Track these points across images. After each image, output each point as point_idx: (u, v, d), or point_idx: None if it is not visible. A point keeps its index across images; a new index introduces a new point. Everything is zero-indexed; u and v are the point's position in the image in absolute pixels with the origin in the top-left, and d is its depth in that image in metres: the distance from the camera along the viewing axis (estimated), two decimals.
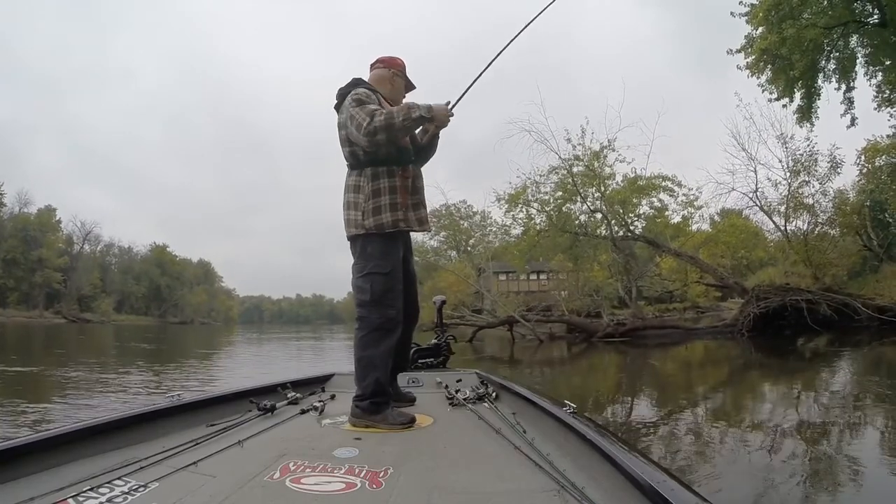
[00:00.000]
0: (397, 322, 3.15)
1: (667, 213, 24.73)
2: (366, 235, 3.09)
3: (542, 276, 45.56)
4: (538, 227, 25.23)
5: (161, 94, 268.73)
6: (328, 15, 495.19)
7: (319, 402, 3.39)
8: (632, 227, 24.20)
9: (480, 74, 3.48)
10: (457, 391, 3.66)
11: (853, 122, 21.39)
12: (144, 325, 78.63)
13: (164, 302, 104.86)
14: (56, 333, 36.78)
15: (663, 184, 23.62)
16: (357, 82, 3.27)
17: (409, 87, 3.52)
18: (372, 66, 3.47)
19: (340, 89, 3.27)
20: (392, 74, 3.41)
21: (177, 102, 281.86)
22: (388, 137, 2.94)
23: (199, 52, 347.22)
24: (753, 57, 20.59)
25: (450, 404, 3.47)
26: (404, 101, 3.42)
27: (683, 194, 23.83)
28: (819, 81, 21.21)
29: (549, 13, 3.86)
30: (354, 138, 3.02)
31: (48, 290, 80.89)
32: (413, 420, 2.96)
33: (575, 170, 23.36)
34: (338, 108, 3.22)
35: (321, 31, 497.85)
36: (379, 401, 3.00)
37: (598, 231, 24.48)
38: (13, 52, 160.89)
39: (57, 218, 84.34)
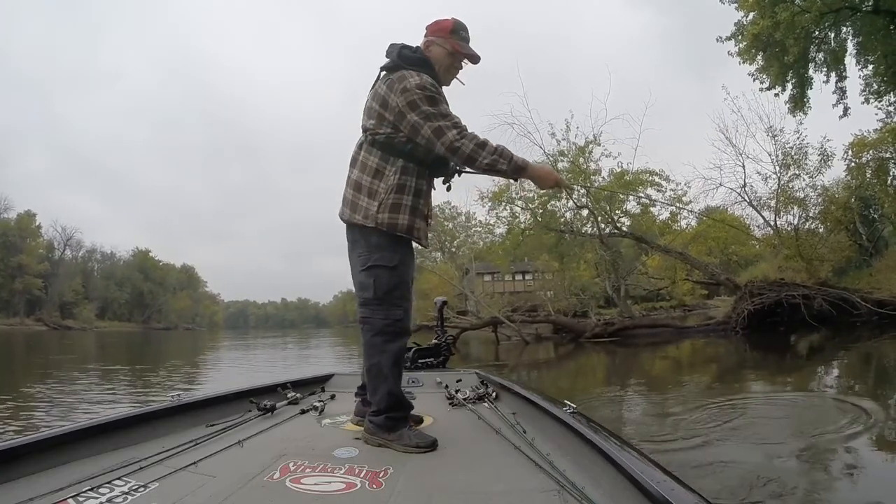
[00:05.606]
0: (405, 325, 2.78)
1: (654, 208, 24.32)
2: (374, 230, 2.66)
3: (528, 277, 45.57)
4: (522, 226, 24.72)
5: (149, 95, 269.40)
6: (323, 16, 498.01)
7: (319, 402, 3.41)
8: (618, 224, 23.79)
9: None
10: (457, 391, 3.69)
11: (846, 112, 21.35)
12: (127, 331, 78.40)
13: (148, 308, 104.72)
14: (34, 342, 36.01)
15: (650, 179, 23.20)
16: (424, 62, 2.73)
17: (463, 56, 2.84)
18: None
19: (403, 55, 2.71)
20: (427, 43, 2.81)
21: (165, 104, 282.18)
22: (461, 163, 2.67)
23: (188, 54, 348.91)
24: (745, 43, 20.32)
25: (450, 404, 3.50)
26: (456, 76, 2.90)
27: (671, 189, 23.53)
28: (810, 71, 21.04)
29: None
30: (424, 140, 2.58)
31: (29, 297, 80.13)
32: (434, 444, 2.55)
33: (560, 165, 22.79)
34: (389, 69, 2.71)
35: (315, 33, 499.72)
36: (395, 416, 2.66)
37: (585, 229, 24.07)
38: None
39: (37, 223, 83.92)
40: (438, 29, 2.81)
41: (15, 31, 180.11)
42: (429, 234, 2.97)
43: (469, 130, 2.57)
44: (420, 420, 3.01)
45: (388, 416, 2.62)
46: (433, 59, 2.77)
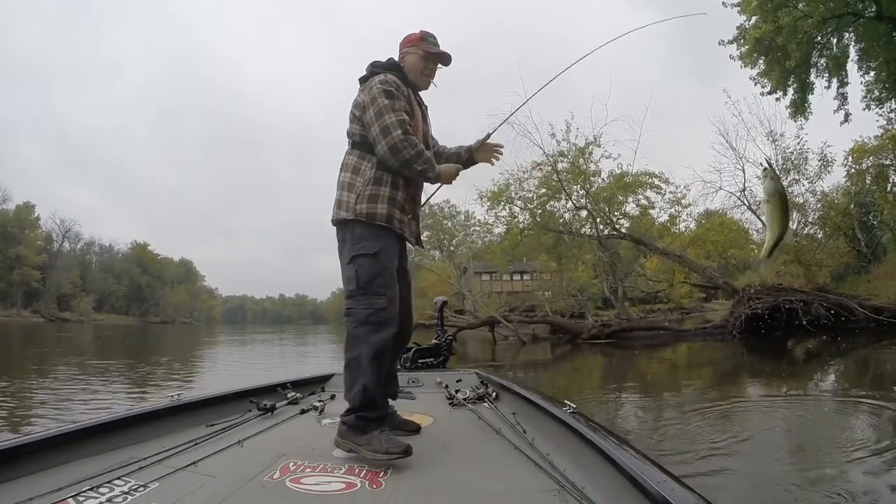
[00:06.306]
0: (390, 315, 2.66)
1: (653, 210, 24.31)
2: (354, 222, 2.72)
3: (526, 277, 45.48)
4: (521, 226, 24.69)
5: (150, 90, 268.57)
6: (322, 13, 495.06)
7: (319, 402, 3.45)
8: (617, 226, 23.77)
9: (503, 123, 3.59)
10: (457, 391, 3.73)
11: (847, 118, 21.38)
12: (124, 324, 78.16)
13: (145, 301, 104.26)
14: (31, 334, 35.92)
15: (650, 181, 23.14)
16: (392, 65, 2.95)
17: (435, 57, 3.03)
18: None
19: (375, 64, 2.95)
20: (401, 55, 3.03)
21: (166, 98, 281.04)
22: (397, 167, 2.72)
23: (189, 49, 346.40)
24: (747, 47, 20.34)
25: (450, 404, 3.54)
26: (431, 79, 3.07)
27: (671, 192, 23.48)
28: (812, 77, 21.01)
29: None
30: (373, 136, 2.71)
31: (26, 289, 79.93)
32: (407, 451, 2.37)
33: (559, 166, 22.83)
34: (364, 80, 2.91)
35: (315, 31, 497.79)
36: (367, 416, 2.53)
37: (584, 229, 24.04)
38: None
39: (35, 215, 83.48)
40: (409, 41, 3.01)
41: (16, 24, 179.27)
42: (418, 231, 3.03)
43: (413, 137, 2.69)
44: (418, 427, 2.97)
45: (360, 416, 2.51)
46: (408, 66, 2.97)
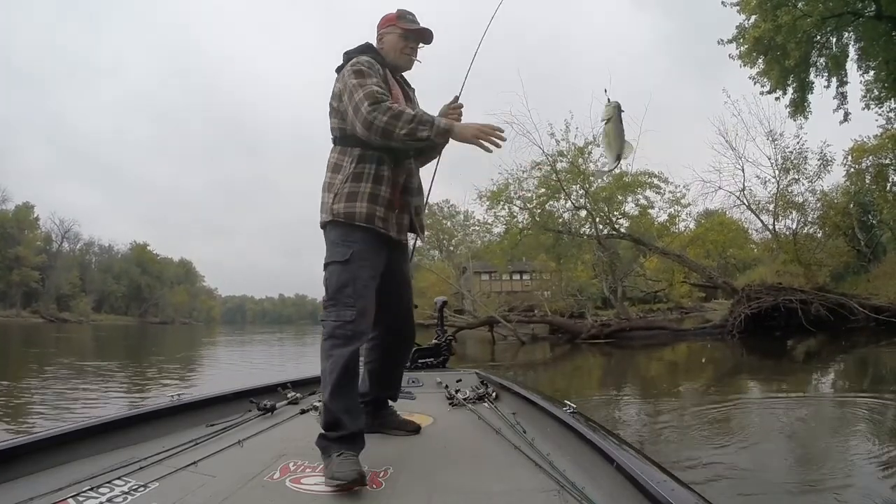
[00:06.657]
0: (358, 329, 2.41)
1: (652, 210, 24.37)
2: (332, 223, 2.51)
3: (525, 277, 45.42)
4: (520, 226, 24.67)
5: (150, 90, 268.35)
6: (324, 12, 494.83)
7: (319, 401, 3.12)
8: (617, 225, 23.78)
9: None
10: (457, 391, 3.72)
11: (846, 117, 21.44)
12: (123, 324, 78.12)
13: (145, 301, 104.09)
14: (30, 335, 35.87)
15: (649, 181, 23.18)
16: (366, 48, 2.75)
17: (414, 34, 2.81)
18: None
19: (349, 52, 2.75)
20: (379, 37, 2.83)
21: (166, 98, 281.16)
22: (382, 142, 2.44)
23: (190, 49, 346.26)
24: (746, 46, 20.35)
25: (450, 404, 3.52)
26: (414, 57, 2.84)
27: (670, 192, 23.53)
28: (811, 76, 21.05)
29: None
30: (349, 120, 2.49)
31: (26, 289, 79.82)
32: (358, 479, 2.00)
33: (559, 166, 22.81)
34: (339, 70, 2.69)
35: (316, 31, 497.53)
36: (329, 437, 2.26)
37: (583, 229, 24.05)
38: None
39: (35, 215, 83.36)
40: (386, 21, 2.82)
41: (15, 23, 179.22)
42: (413, 223, 2.75)
43: (388, 103, 2.41)
44: (418, 427, 2.89)
45: (322, 436, 2.28)
46: (387, 47, 2.78)
